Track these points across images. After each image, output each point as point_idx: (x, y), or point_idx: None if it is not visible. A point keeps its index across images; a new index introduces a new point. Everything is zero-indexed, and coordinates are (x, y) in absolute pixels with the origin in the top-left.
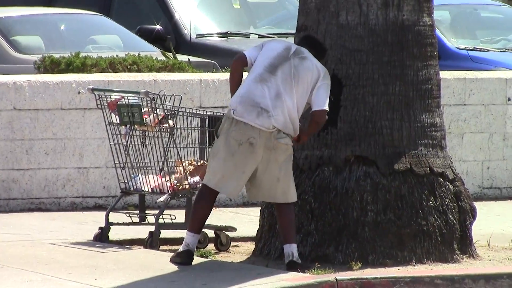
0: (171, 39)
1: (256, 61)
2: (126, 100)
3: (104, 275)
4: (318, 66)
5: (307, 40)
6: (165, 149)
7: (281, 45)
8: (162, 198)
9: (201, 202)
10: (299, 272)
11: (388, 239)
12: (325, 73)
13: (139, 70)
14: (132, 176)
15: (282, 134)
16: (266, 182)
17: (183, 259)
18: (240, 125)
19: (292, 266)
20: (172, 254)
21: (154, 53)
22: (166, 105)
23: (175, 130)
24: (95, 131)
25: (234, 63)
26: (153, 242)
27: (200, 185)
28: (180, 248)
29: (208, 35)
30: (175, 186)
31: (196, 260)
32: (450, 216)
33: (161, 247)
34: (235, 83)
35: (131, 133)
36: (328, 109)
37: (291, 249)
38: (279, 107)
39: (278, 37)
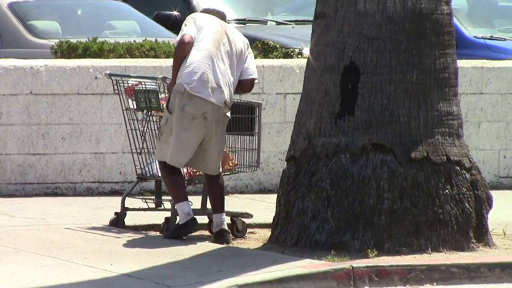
0: None
1: (198, 36)
2: (143, 86)
3: (119, 261)
4: (243, 38)
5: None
6: None
7: (214, 20)
8: None
9: (174, 173)
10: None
11: (404, 227)
12: (248, 43)
13: (156, 56)
14: (149, 161)
15: (227, 107)
16: (208, 154)
17: (190, 227)
18: (195, 100)
19: (222, 235)
20: (169, 232)
21: (172, 39)
22: None
23: None
24: (112, 116)
25: (185, 46)
26: (169, 228)
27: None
28: (181, 220)
29: (226, 21)
30: (191, 172)
31: (212, 246)
32: (466, 204)
33: None
34: (180, 63)
35: (148, 119)
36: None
37: (222, 219)
38: (226, 82)
39: (296, 24)
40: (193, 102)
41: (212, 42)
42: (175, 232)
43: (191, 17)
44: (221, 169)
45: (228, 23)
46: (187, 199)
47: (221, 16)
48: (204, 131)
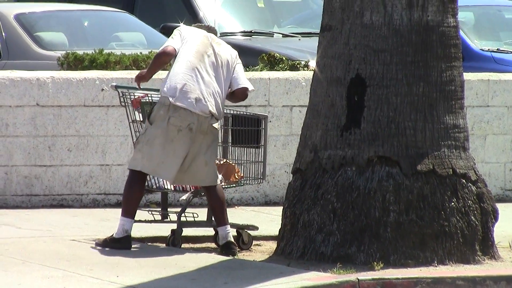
0: None
1: (182, 48)
2: (150, 98)
3: (125, 272)
4: (231, 49)
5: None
6: None
7: (200, 32)
8: (184, 196)
9: (135, 187)
10: (236, 250)
11: (410, 240)
12: (237, 54)
13: (162, 68)
14: None
15: (214, 119)
16: (194, 166)
17: (124, 244)
18: (180, 112)
19: (229, 247)
20: (102, 240)
21: None
22: None
23: None
24: (118, 128)
25: (166, 56)
26: (175, 240)
27: (134, 169)
28: (117, 234)
29: (232, 33)
30: None
31: (218, 258)
32: (472, 217)
33: (183, 245)
34: (157, 68)
35: None
36: (250, 87)
37: (227, 231)
38: (211, 92)
39: (302, 36)
40: (178, 113)
41: (195, 54)
42: (108, 244)
43: (178, 30)
44: (219, 182)
45: (234, 35)
46: (133, 218)
47: (211, 31)
48: (190, 143)
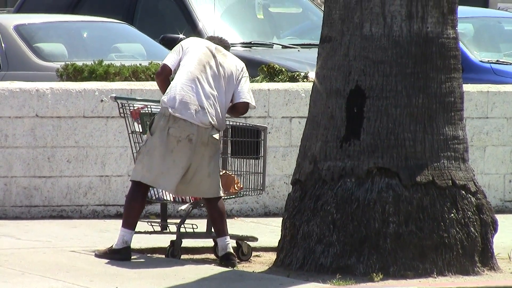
0: None
1: (183, 60)
2: (149, 109)
3: (125, 283)
4: (237, 62)
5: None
6: None
7: (202, 43)
8: (183, 207)
9: (137, 199)
10: (236, 261)
11: (410, 251)
12: (244, 67)
13: None
14: None
15: (215, 130)
16: (197, 178)
17: (124, 255)
18: (180, 122)
19: (228, 258)
20: (102, 251)
21: None
22: None
23: None
24: (118, 139)
25: (158, 79)
26: (174, 251)
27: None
28: (117, 245)
29: (232, 45)
30: None
31: (217, 269)
32: (471, 228)
33: (182, 256)
34: (164, 88)
35: None
36: (252, 103)
37: (226, 242)
38: (212, 103)
39: (301, 47)
40: (178, 124)
41: (196, 64)
42: (107, 255)
43: (180, 44)
44: (221, 193)
45: (233, 46)
46: (134, 230)
47: (223, 43)
48: (190, 154)
